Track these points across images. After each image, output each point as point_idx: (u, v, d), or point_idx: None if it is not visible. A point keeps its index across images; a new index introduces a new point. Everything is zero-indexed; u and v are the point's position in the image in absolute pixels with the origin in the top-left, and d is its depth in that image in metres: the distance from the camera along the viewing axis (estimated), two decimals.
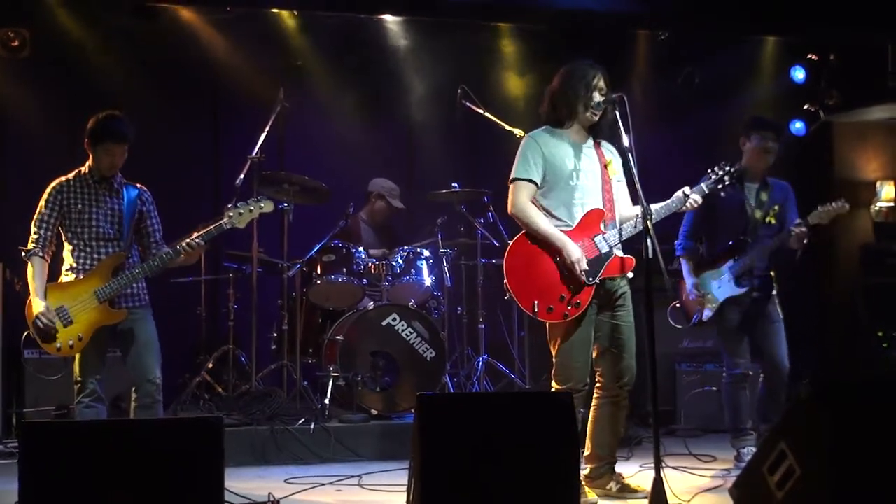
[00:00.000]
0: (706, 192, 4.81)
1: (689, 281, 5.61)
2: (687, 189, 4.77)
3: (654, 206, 4.55)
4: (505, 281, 4.64)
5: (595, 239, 4.62)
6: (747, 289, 5.51)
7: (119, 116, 4.91)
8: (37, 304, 4.74)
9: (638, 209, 4.61)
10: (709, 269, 5.59)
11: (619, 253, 4.67)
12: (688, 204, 4.73)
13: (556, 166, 4.65)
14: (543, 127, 4.77)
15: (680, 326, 6.16)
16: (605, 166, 4.72)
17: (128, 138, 4.88)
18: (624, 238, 4.66)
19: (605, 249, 4.62)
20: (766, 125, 5.68)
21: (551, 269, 4.59)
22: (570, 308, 4.56)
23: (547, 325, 4.71)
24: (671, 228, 5.67)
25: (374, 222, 7.37)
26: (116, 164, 4.91)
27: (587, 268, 4.55)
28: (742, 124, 5.73)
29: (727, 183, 4.83)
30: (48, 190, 4.91)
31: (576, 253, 4.54)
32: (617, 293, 4.71)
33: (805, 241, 5.44)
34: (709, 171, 4.89)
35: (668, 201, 4.71)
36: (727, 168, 4.84)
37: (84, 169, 4.94)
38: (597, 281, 4.59)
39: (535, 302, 4.55)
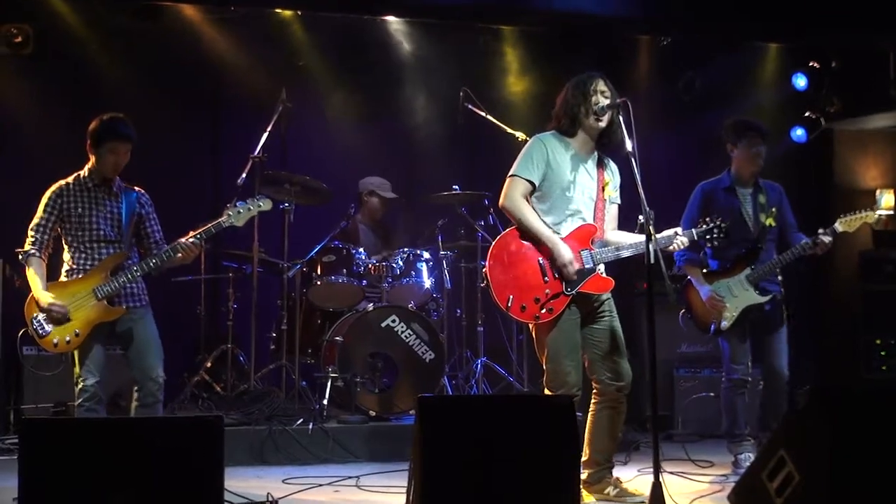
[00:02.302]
0: (695, 238, 4.84)
1: (703, 290, 5.55)
2: (678, 230, 4.80)
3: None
4: (485, 269, 4.65)
5: (582, 253, 4.63)
6: (770, 297, 5.52)
7: (121, 117, 4.92)
8: (44, 297, 4.75)
9: (623, 236, 4.71)
10: (723, 278, 5.56)
11: (602, 271, 4.69)
12: (675, 244, 4.74)
13: (557, 173, 4.66)
14: (552, 132, 4.78)
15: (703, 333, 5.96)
16: (603, 188, 4.76)
17: (132, 138, 4.91)
18: (621, 257, 4.68)
19: (589, 265, 4.63)
20: (752, 129, 5.63)
21: (533, 269, 4.60)
22: (542, 311, 4.56)
23: (534, 334, 4.72)
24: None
25: (372, 221, 7.37)
26: (121, 163, 4.92)
27: (578, 269, 4.57)
28: (726, 130, 5.68)
29: (715, 236, 4.83)
30: (47, 194, 4.92)
31: (567, 255, 4.55)
32: (599, 300, 4.72)
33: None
34: (701, 220, 4.91)
35: (659, 236, 4.68)
36: (719, 223, 4.84)
37: (83, 172, 4.95)
38: (574, 292, 4.60)
39: (511, 297, 4.55)
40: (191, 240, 4.89)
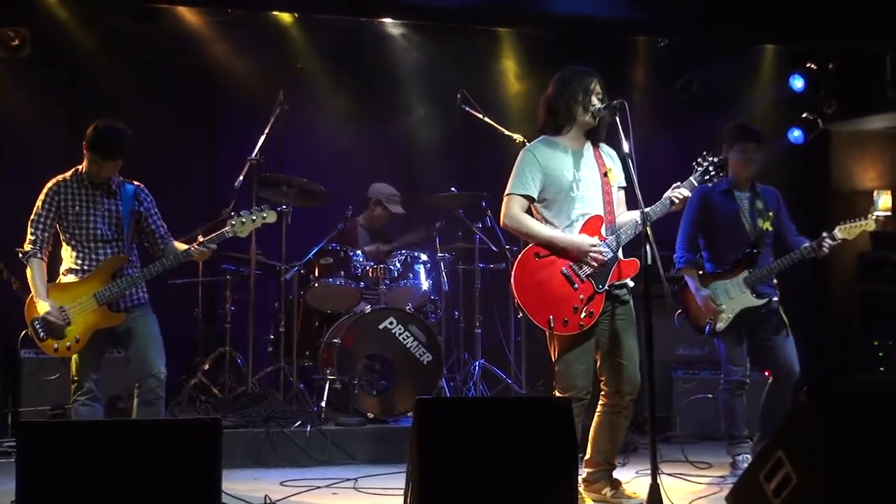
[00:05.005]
0: (695, 185, 4.75)
1: (699, 294, 5.53)
2: (677, 184, 4.72)
3: (646, 209, 4.48)
4: (516, 300, 4.61)
5: (599, 245, 4.62)
6: (766, 300, 5.51)
7: (117, 129, 4.82)
8: (42, 305, 4.73)
9: (636, 214, 4.59)
10: (720, 281, 5.54)
11: (621, 256, 4.67)
12: (675, 196, 4.65)
13: (556, 178, 4.63)
14: (541, 138, 4.74)
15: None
16: (605, 174, 4.70)
17: (118, 155, 4.84)
18: (623, 242, 4.66)
19: (609, 256, 4.61)
20: (746, 134, 5.62)
21: (560, 281, 4.56)
22: (584, 318, 4.54)
23: (547, 333, 4.68)
24: (670, 235, 5.67)
25: (373, 227, 7.36)
26: (104, 175, 4.87)
27: (605, 249, 4.54)
28: (722, 134, 5.65)
29: (713, 173, 4.74)
30: (45, 190, 4.89)
31: (587, 241, 4.53)
32: (618, 300, 4.70)
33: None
34: (694, 164, 4.80)
35: (659, 202, 4.65)
36: (711, 159, 4.76)
37: (82, 168, 4.91)
38: (607, 287, 4.59)
39: (551, 317, 4.51)
40: (202, 247, 4.87)
